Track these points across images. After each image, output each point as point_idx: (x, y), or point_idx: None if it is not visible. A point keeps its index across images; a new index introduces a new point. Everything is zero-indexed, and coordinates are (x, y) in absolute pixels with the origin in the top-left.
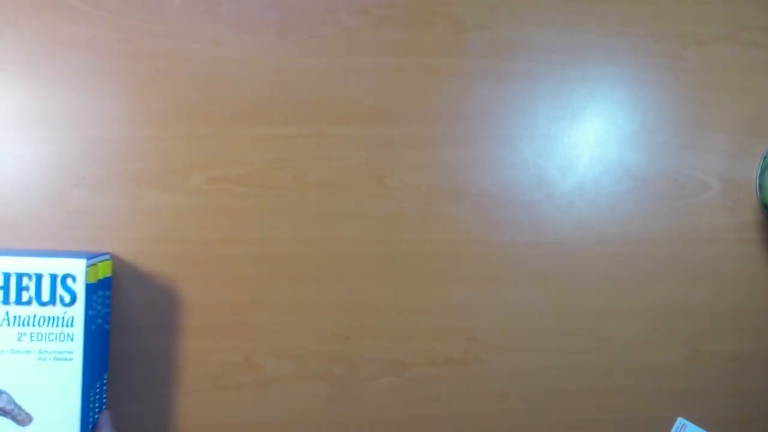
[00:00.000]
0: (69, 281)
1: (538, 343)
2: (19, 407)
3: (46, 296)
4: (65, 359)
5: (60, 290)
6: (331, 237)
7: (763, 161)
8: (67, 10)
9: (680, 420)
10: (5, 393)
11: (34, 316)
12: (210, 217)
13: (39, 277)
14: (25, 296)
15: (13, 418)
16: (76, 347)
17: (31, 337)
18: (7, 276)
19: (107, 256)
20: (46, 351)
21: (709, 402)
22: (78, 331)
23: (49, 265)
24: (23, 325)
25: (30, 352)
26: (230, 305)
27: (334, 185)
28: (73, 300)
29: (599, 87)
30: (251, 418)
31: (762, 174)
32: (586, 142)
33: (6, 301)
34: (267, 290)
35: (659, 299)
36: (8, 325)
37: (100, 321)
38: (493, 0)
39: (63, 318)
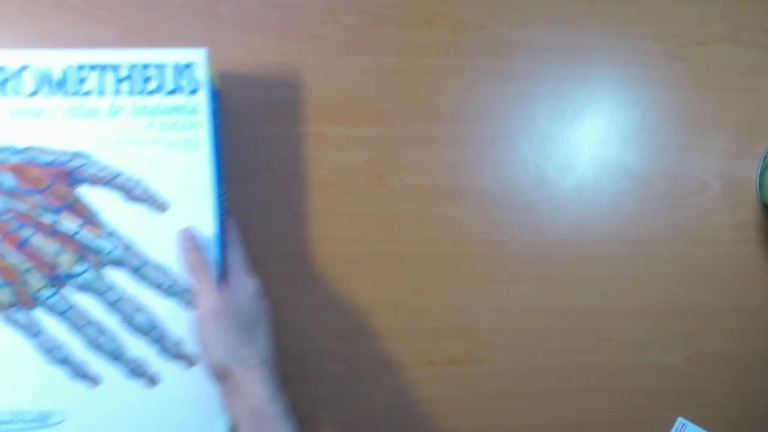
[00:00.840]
0: (192, 70)
1: (538, 343)
2: (155, 195)
3: (170, 85)
4: (194, 147)
5: (183, 79)
6: (330, 237)
7: (763, 161)
8: (67, 9)
9: (680, 420)
10: (141, 182)
11: (161, 106)
12: None
13: (162, 66)
14: (150, 86)
15: (150, 205)
16: (203, 134)
17: (160, 126)
18: (132, 67)
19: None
20: (174, 139)
21: (709, 402)
22: (203, 118)
23: (171, 55)
24: (151, 115)
25: (160, 141)
26: None
27: (334, 185)
28: (197, 88)
29: (599, 87)
30: None
31: (762, 173)
32: (586, 142)
33: (133, 92)
34: (267, 290)
35: (659, 299)
36: (137, 115)
37: (218, 124)
38: (493, 0)
39: (188, 106)
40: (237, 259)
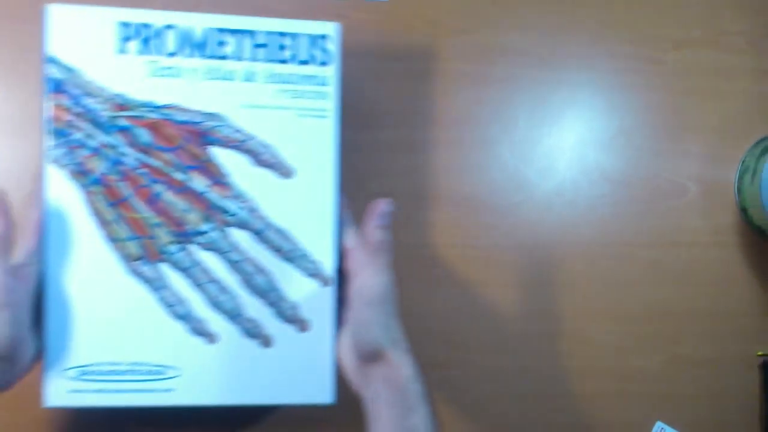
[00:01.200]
0: (324, 42)
1: (517, 347)
2: (282, 160)
3: (303, 55)
4: (321, 116)
5: (316, 50)
6: None
7: (742, 165)
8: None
9: (659, 424)
10: (270, 147)
11: (293, 74)
12: None
13: (296, 36)
14: (285, 55)
15: (277, 171)
16: (330, 106)
17: (291, 94)
18: (268, 35)
19: None
20: (304, 108)
21: (687, 405)
22: (332, 90)
23: (306, 26)
24: (284, 83)
25: (290, 108)
26: None
27: None
28: (328, 60)
29: (578, 91)
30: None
31: (740, 177)
32: (565, 146)
33: (268, 59)
34: None
35: (637, 302)
36: (270, 82)
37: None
38: (473, 4)
39: (319, 77)
40: (359, 240)
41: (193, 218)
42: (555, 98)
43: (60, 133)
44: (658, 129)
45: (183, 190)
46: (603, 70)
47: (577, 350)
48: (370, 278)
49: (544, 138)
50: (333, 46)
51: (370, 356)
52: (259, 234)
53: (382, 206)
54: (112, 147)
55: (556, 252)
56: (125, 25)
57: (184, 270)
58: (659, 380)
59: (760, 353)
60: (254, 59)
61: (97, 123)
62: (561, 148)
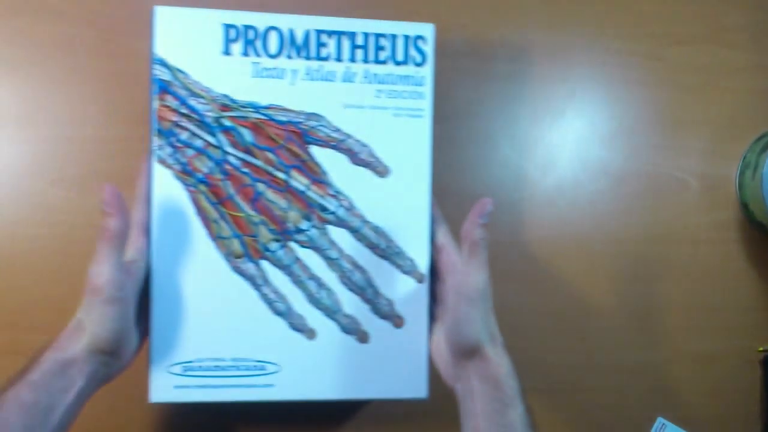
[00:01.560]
0: (420, 42)
1: (518, 343)
2: (379, 159)
3: (400, 56)
4: (417, 116)
5: (412, 51)
6: None
7: (743, 160)
8: (45, 8)
9: (660, 420)
10: (367, 146)
11: (390, 75)
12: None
13: (394, 37)
14: (382, 55)
15: (374, 170)
16: (426, 105)
17: (388, 94)
18: (366, 36)
19: None
20: (400, 107)
21: (688, 401)
22: (428, 90)
23: (402, 27)
24: (381, 83)
25: (387, 108)
26: None
27: None
28: (424, 61)
29: (579, 87)
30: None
31: (741, 173)
32: (566, 142)
33: (366, 60)
34: None
35: (638, 298)
36: (368, 82)
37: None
38: (473, 0)
39: (415, 77)
40: (451, 238)
41: (294, 216)
42: (556, 94)
43: (166, 133)
44: (660, 125)
45: (284, 188)
46: (604, 66)
47: (577, 345)
48: (469, 275)
49: (545, 134)
50: (428, 47)
51: (468, 352)
52: (356, 232)
53: (486, 205)
54: (217, 147)
55: (557, 248)
56: (230, 27)
57: (284, 267)
58: (660, 376)
59: (761, 349)
60: (353, 60)
61: (202, 123)
62: (562, 144)
